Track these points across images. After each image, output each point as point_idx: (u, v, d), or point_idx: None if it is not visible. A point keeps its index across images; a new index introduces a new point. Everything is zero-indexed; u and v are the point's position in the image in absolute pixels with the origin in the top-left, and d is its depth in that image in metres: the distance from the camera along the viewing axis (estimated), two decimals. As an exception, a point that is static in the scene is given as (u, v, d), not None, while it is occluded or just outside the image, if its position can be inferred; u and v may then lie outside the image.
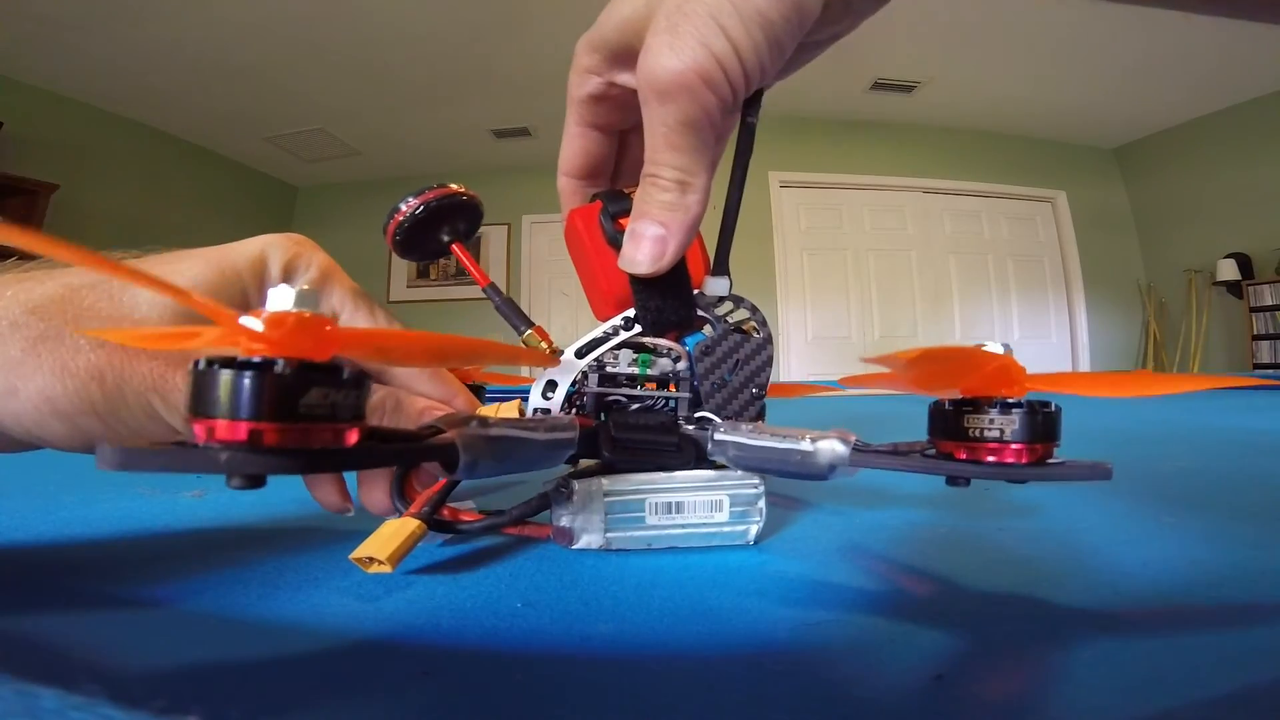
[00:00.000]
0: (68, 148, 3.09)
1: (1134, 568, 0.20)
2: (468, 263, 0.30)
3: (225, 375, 0.12)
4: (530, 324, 0.29)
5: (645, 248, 0.22)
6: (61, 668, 0.14)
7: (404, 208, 0.28)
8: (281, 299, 0.13)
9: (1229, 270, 3.49)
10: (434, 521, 0.21)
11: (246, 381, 0.12)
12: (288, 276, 0.22)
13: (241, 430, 0.12)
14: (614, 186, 0.29)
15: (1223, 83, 3.20)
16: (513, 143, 3.85)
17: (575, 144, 0.27)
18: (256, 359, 0.12)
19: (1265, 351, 3.43)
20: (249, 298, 0.21)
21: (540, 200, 3.97)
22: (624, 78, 0.24)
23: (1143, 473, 0.40)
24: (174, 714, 0.08)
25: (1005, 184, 3.91)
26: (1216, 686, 0.13)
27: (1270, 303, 3.39)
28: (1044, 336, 3.97)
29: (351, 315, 0.23)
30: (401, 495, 0.22)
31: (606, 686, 0.13)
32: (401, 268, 4.19)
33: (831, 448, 0.19)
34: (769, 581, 0.20)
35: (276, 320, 0.12)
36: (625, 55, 0.23)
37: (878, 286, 3.85)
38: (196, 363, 0.12)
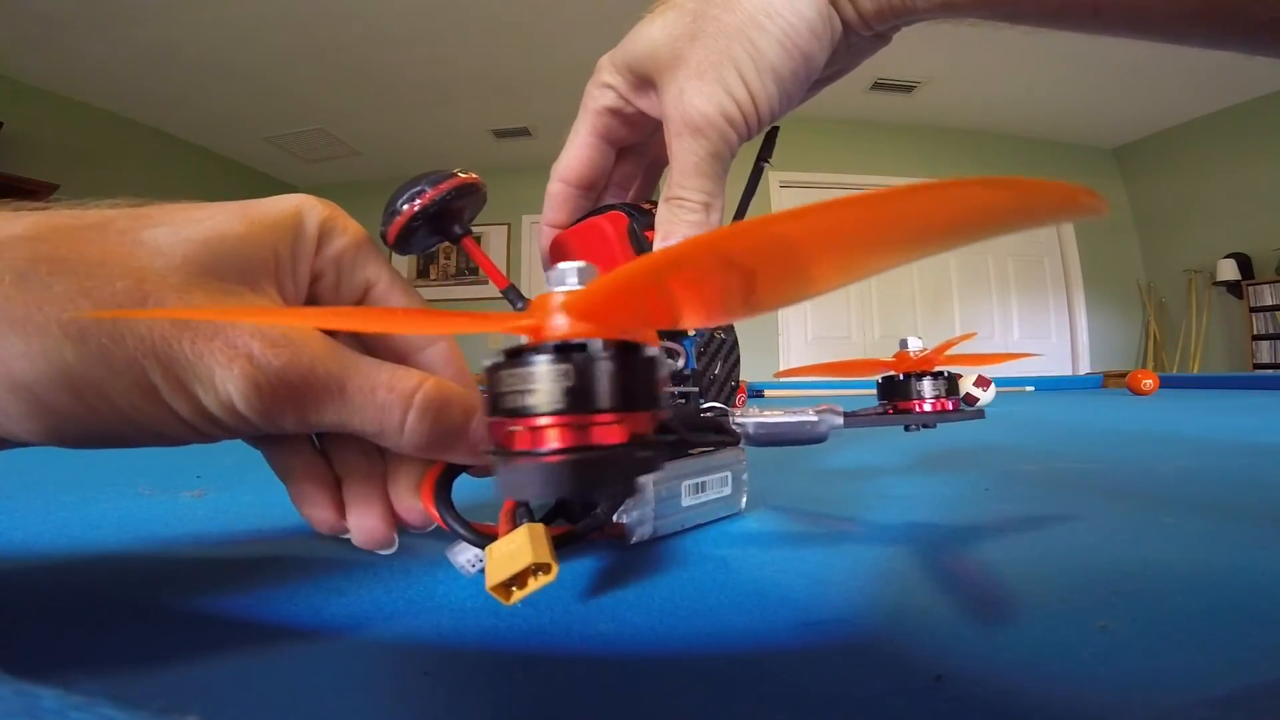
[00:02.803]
0: (68, 148, 3.09)
1: (1134, 567, 0.20)
2: (485, 263, 0.28)
3: (638, 362, 0.11)
4: None
5: None
6: (61, 668, 0.14)
7: (405, 209, 0.26)
8: (571, 277, 0.12)
9: (1229, 270, 3.49)
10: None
11: (652, 367, 0.11)
12: (324, 236, 0.20)
13: (644, 422, 0.11)
14: (599, 200, 0.29)
15: (1223, 83, 3.20)
16: (513, 143, 3.86)
17: (581, 153, 0.28)
18: (595, 341, 0.10)
19: (1265, 351, 3.43)
20: (279, 256, 0.19)
21: (540, 200, 3.96)
22: (642, 101, 0.26)
23: (1143, 473, 0.40)
24: (174, 714, 0.08)
25: (1005, 184, 3.91)
26: (1216, 686, 0.13)
27: (1270, 303, 3.40)
28: (1044, 336, 3.97)
29: (389, 288, 0.21)
30: (453, 510, 0.19)
31: (606, 686, 0.13)
32: (401, 266, 4.20)
33: (829, 418, 0.25)
34: (769, 581, 0.20)
35: (598, 299, 0.11)
36: (646, 81, 0.25)
37: (878, 286, 3.85)
38: (548, 347, 0.10)
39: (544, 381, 0.11)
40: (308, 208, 0.20)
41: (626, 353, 0.11)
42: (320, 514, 0.20)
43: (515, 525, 0.17)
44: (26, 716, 0.08)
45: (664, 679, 0.13)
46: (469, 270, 4.18)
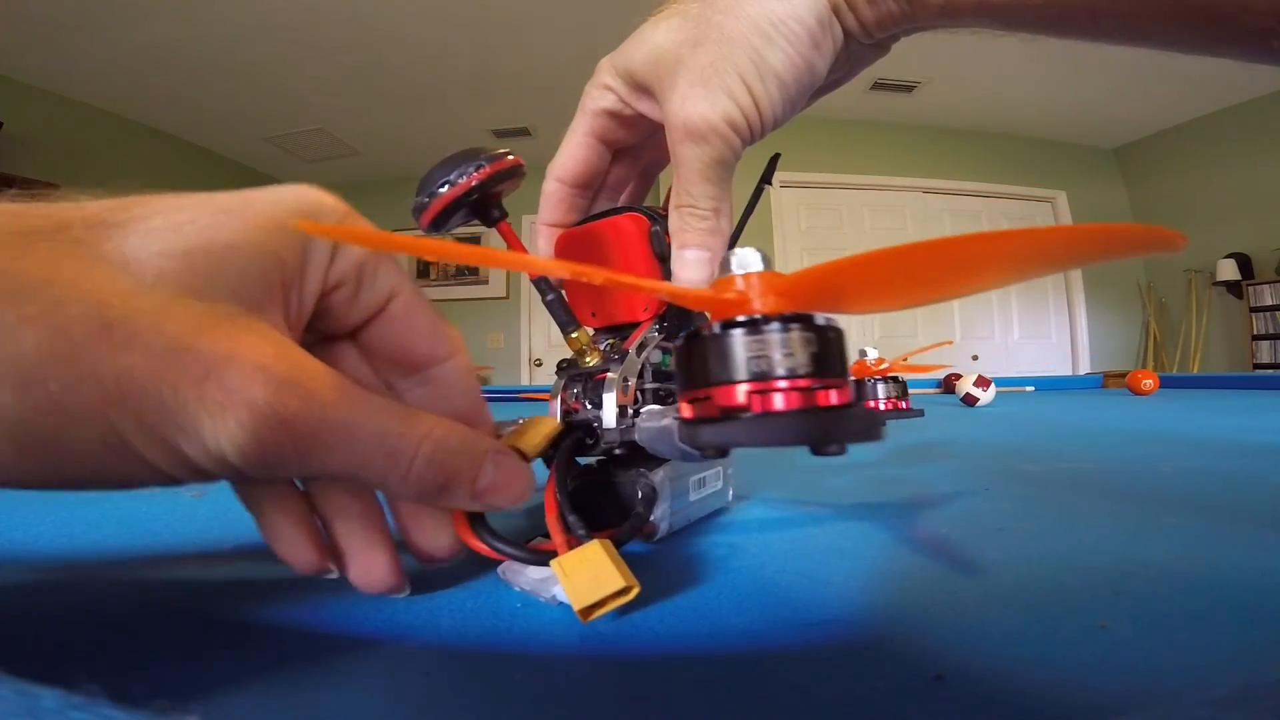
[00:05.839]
0: (68, 148, 3.09)
1: (1134, 568, 0.20)
2: (519, 248, 0.27)
3: (831, 334, 0.13)
4: (577, 324, 0.27)
5: (695, 269, 0.24)
6: (61, 668, 0.14)
7: (461, 182, 0.23)
8: (753, 260, 0.14)
9: (1229, 270, 3.49)
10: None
11: (835, 338, 0.13)
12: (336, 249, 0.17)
13: (846, 393, 0.12)
14: (594, 201, 0.29)
15: (1223, 83, 3.20)
16: (513, 143, 3.86)
17: (578, 152, 0.28)
18: (787, 314, 0.13)
19: (1265, 351, 3.43)
20: (286, 265, 0.15)
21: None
22: (642, 105, 0.26)
23: (1143, 473, 0.40)
24: (174, 714, 0.08)
25: (1005, 184, 3.91)
26: (1216, 686, 0.13)
27: (1270, 303, 3.39)
28: (1044, 337, 3.97)
29: (413, 298, 0.19)
30: (496, 534, 0.18)
31: (606, 686, 0.13)
32: (403, 266, 4.20)
33: None
34: (769, 581, 0.20)
35: (788, 280, 0.13)
36: (647, 86, 0.25)
37: (878, 286, 3.84)
38: (752, 321, 0.13)
39: (810, 347, 0.13)
40: (319, 202, 0.16)
41: (837, 328, 0.13)
42: (300, 555, 0.17)
43: (570, 535, 0.18)
44: (26, 716, 0.08)
45: (664, 679, 0.13)
46: (468, 270, 4.18)
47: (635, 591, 0.16)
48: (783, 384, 0.12)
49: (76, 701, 0.08)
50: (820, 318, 0.13)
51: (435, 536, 0.19)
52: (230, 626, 0.16)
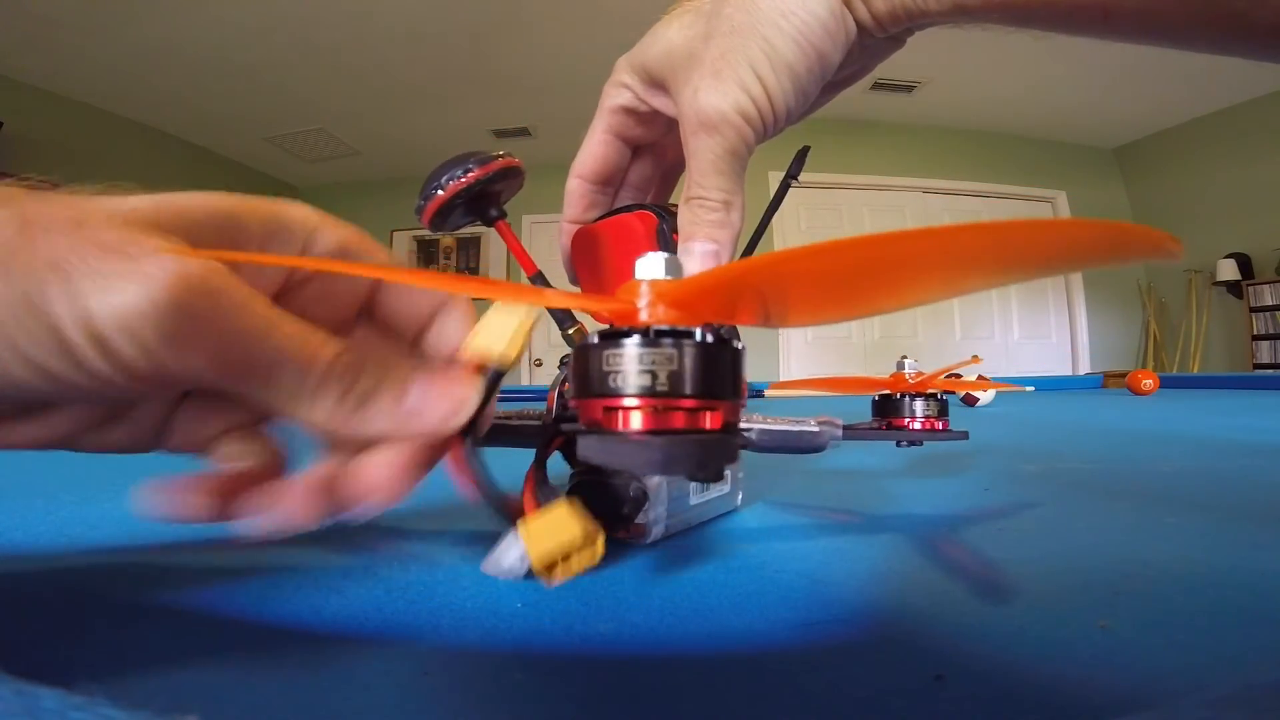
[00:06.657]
0: (68, 148, 3.09)
1: (1134, 568, 0.20)
2: (517, 248, 0.28)
3: (721, 351, 0.11)
4: (575, 322, 0.27)
5: (700, 264, 0.24)
6: (61, 668, 0.14)
7: (449, 185, 0.24)
8: (654, 267, 0.12)
9: (1229, 270, 3.49)
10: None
11: (732, 358, 0.11)
12: (314, 231, 0.18)
13: (727, 412, 0.11)
14: (615, 200, 0.30)
15: (1223, 83, 3.20)
16: (513, 143, 3.85)
17: (597, 149, 0.28)
18: (685, 329, 0.11)
19: (1265, 351, 3.43)
20: (247, 230, 0.17)
21: (540, 200, 3.94)
22: (657, 101, 0.26)
23: (1143, 473, 0.40)
24: (174, 714, 0.08)
25: (1005, 184, 3.91)
26: (1216, 686, 0.13)
27: (1270, 303, 3.40)
28: (1044, 337, 3.97)
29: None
30: (488, 474, 0.18)
31: (606, 686, 0.13)
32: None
33: (830, 430, 0.25)
34: (768, 582, 0.20)
35: (681, 288, 0.12)
36: (661, 82, 0.25)
37: (878, 287, 3.84)
38: (611, 335, 0.11)
39: (670, 364, 0.11)
40: (292, 204, 0.18)
41: (730, 344, 0.12)
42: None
43: (542, 502, 0.18)
44: (26, 716, 0.08)
45: (664, 679, 0.13)
46: (468, 270, 4.18)
47: (600, 542, 0.15)
48: (632, 402, 0.11)
49: (76, 701, 0.08)
50: (700, 331, 0.12)
51: (376, 468, 0.18)
52: (230, 626, 0.16)
